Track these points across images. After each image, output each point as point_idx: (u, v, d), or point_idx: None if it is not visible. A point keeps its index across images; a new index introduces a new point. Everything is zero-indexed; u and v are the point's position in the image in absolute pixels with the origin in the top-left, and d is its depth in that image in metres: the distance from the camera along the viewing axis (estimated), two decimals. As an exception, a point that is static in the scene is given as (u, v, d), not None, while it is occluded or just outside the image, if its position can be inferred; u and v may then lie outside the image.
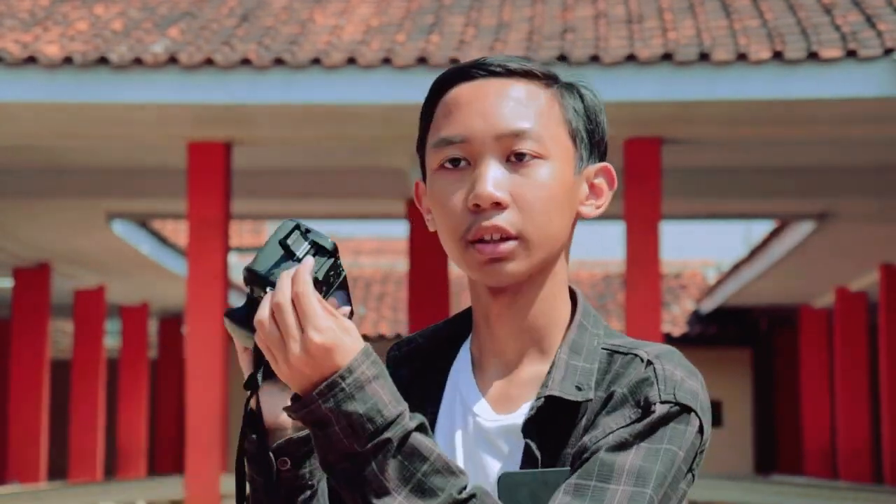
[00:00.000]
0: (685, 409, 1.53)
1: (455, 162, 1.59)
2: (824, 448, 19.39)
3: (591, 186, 1.65)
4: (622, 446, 1.50)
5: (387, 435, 1.43)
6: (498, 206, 1.56)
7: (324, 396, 1.42)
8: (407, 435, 1.44)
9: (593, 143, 1.65)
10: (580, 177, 1.63)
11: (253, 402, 1.55)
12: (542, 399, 1.55)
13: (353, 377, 1.43)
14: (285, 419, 1.55)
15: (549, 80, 1.63)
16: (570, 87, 1.65)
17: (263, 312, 1.44)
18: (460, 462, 1.60)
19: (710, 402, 1.58)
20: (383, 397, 1.44)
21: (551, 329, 1.63)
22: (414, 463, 1.43)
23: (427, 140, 1.64)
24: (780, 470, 21.12)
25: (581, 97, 1.65)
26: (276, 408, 1.56)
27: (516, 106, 1.59)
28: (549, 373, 1.59)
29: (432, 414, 1.63)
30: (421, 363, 1.67)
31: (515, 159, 1.58)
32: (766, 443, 22.32)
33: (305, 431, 1.53)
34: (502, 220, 1.56)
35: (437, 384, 1.65)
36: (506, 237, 1.56)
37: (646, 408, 1.52)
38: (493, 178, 1.56)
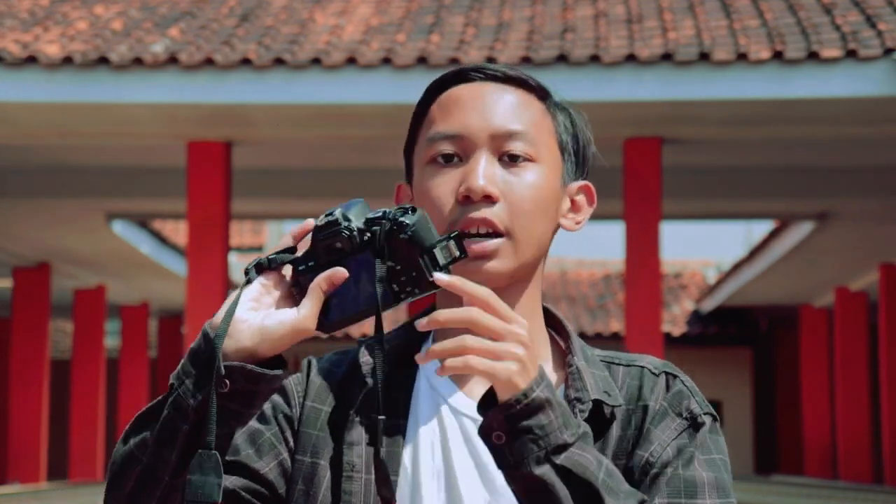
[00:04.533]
0: (715, 419, 1.63)
1: (448, 158, 1.61)
2: (824, 448, 19.39)
3: (573, 202, 1.69)
4: (690, 461, 1.57)
5: (583, 429, 1.47)
6: (488, 199, 1.58)
7: (540, 385, 1.43)
8: (590, 434, 1.49)
9: (579, 161, 1.69)
10: (564, 190, 1.67)
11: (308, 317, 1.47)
12: (590, 402, 1.59)
13: (545, 371, 1.47)
14: (259, 347, 1.47)
15: (542, 93, 1.67)
16: (562, 108, 1.69)
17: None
18: (460, 463, 1.60)
19: None
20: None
21: (534, 339, 1.65)
22: (598, 461, 1.47)
23: (418, 139, 1.67)
24: (780, 470, 21.13)
25: (571, 119, 1.69)
26: (263, 328, 1.47)
27: (512, 109, 1.63)
28: (572, 379, 1.62)
29: (399, 426, 1.63)
30: (389, 370, 1.66)
31: (508, 159, 1.61)
32: (766, 443, 22.32)
33: (255, 367, 1.46)
34: (491, 213, 1.58)
35: (404, 395, 1.65)
36: (494, 232, 1.59)
37: (692, 419, 1.60)
38: (486, 171, 1.59)
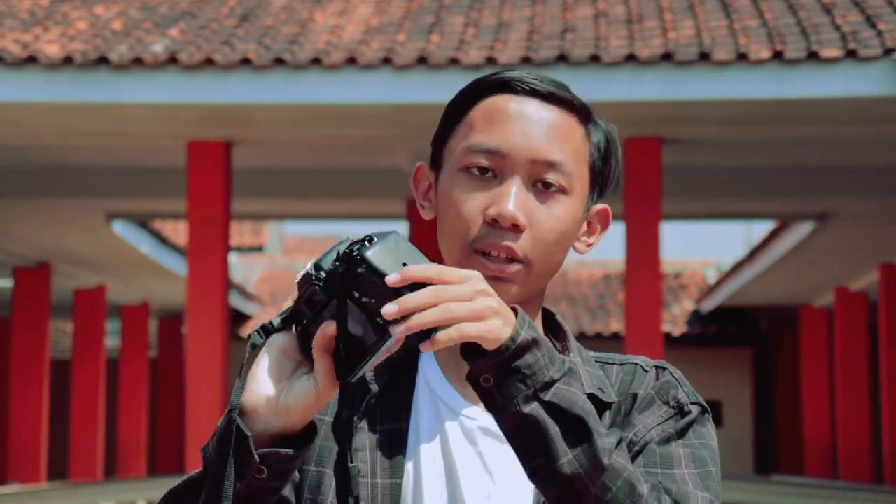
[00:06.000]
0: (704, 411, 1.64)
1: (483, 170, 1.61)
2: (824, 448, 19.39)
3: (589, 224, 1.69)
4: (668, 440, 1.59)
5: (568, 364, 1.46)
6: (516, 227, 1.58)
7: (524, 326, 1.43)
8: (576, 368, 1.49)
9: (606, 183, 1.69)
10: (585, 215, 1.67)
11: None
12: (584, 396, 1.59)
13: (521, 309, 1.46)
14: (287, 424, 1.48)
15: (584, 115, 1.66)
16: (599, 127, 1.68)
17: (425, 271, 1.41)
18: (461, 464, 1.61)
19: None
20: None
21: None
22: (579, 392, 1.47)
23: (452, 134, 1.66)
24: (780, 470, 21.13)
25: (607, 139, 1.68)
26: (285, 408, 1.48)
27: (556, 136, 1.62)
28: None
29: (401, 430, 1.64)
30: (390, 376, 1.67)
31: (542, 187, 1.61)
32: (766, 443, 22.32)
33: (291, 451, 1.47)
34: (515, 243, 1.58)
35: (406, 399, 1.66)
36: (513, 258, 1.59)
37: (679, 407, 1.62)
38: (518, 199, 1.59)
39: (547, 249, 1.60)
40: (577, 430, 1.44)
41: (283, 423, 1.46)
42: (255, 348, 1.49)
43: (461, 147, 1.63)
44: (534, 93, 1.63)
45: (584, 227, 1.68)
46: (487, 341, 1.41)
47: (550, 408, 1.43)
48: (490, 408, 1.44)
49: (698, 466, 1.57)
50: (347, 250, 1.42)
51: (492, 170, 1.60)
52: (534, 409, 1.43)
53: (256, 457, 1.44)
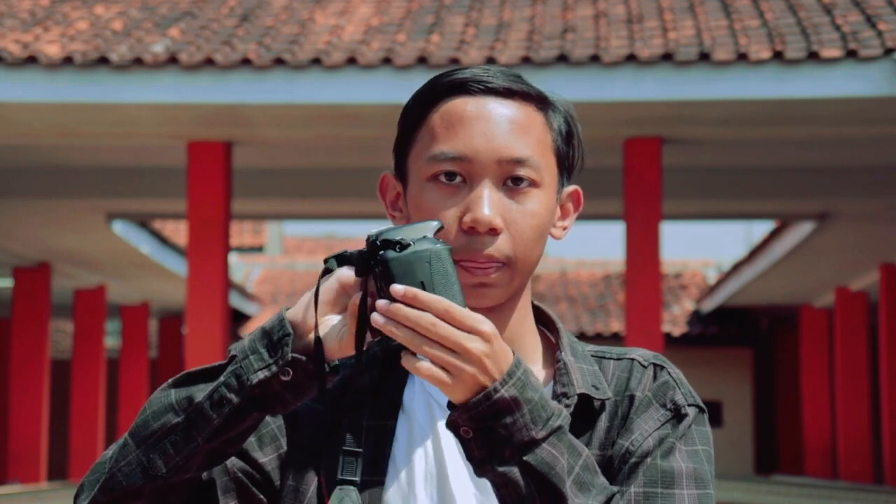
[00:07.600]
0: (702, 411, 1.63)
1: (450, 176, 1.60)
2: (824, 448, 19.39)
3: (562, 208, 1.69)
4: (671, 451, 1.57)
5: (558, 422, 1.46)
6: (493, 231, 1.58)
7: (506, 384, 1.43)
8: (568, 425, 1.47)
9: (573, 165, 1.68)
10: (558, 201, 1.67)
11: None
12: (575, 397, 1.60)
13: (523, 366, 1.45)
14: (307, 347, 1.52)
15: (542, 102, 1.65)
16: (557, 110, 1.66)
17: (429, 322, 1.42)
18: (452, 465, 1.61)
19: None
20: (542, 386, 1.48)
21: (525, 339, 1.66)
22: (573, 455, 1.47)
23: (413, 141, 1.65)
24: (780, 470, 21.13)
25: (567, 120, 1.67)
26: None
27: (518, 131, 1.61)
28: (560, 374, 1.62)
29: (388, 427, 1.64)
30: (378, 372, 1.67)
31: (512, 184, 1.60)
32: (766, 443, 22.32)
33: (312, 365, 1.50)
34: (495, 247, 1.58)
35: (394, 396, 1.66)
36: (494, 262, 1.58)
37: (676, 410, 1.60)
38: (491, 202, 1.58)
39: (526, 246, 1.60)
40: (552, 492, 1.44)
41: (307, 347, 1.50)
42: (326, 273, 1.52)
43: (425, 157, 1.62)
44: (489, 91, 1.61)
45: (558, 213, 1.67)
46: (447, 391, 1.42)
47: (528, 468, 1.43)
48: (469, 459, 1.45)
49: (699, 486, 1.56)
50: (377, 243, 1.45)
51: (460, 175, 1.59)
52: (509, 469, 1.43)
53: (289, 354, 1.48)
